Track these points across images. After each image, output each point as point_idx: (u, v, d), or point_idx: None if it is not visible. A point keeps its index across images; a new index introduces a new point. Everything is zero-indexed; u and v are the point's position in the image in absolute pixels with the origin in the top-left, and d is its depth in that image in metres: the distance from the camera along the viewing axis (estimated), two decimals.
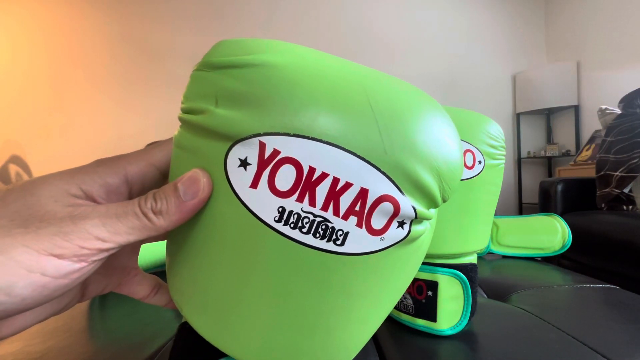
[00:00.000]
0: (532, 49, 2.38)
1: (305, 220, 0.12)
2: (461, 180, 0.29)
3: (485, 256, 0.62)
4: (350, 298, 0.13)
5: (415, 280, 0.30)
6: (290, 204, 0.12)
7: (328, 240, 0.12)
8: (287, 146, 0.12)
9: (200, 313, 0.14)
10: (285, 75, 0.12)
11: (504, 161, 0.32)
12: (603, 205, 1.11)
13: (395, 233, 0.13)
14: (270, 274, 0.13)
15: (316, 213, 0.12)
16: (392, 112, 0.13)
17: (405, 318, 0.32)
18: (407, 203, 0.13)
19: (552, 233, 0.58)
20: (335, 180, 0.12)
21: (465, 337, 0.30)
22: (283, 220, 0.12)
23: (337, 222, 0.12)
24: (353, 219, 0.12)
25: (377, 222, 0.12)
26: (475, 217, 0.30)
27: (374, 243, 0.13)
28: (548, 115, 2.33)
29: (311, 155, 0.12)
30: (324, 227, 0.12)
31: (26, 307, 0.12)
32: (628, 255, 0.87)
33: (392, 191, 0.12)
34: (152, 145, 0.16)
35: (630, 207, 1.06)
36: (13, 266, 0.11)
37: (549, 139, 2.33)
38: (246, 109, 0.12)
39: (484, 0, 2.36)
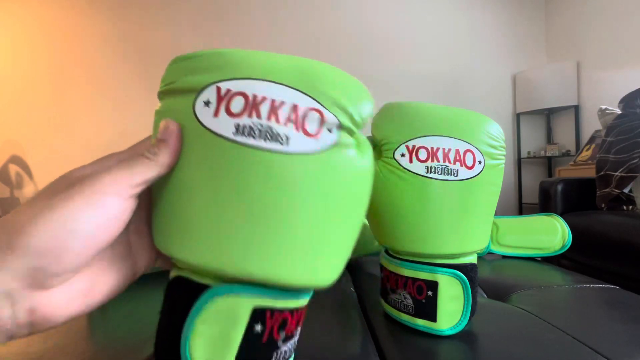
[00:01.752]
0: (532, 49, 2.38)
1: (256, 129, 0.16)
2: (461, 180, 0.29)
3: (485, 256, 0.62)
4: (303, 198, 0.16)
5: (415, 280, 0.30)
6: (243, 120, 0.16)
7: (275, 141, 0.16)
8: (236, 85, 0.17)
9: (185, 241, 0.17)
10: (237, 53, 0.18)
11: (504, 161, 0.32)
12: (603, 205, 1.11)
13: (327, 137, 0.17)
14: (237, 180, 0.16)
15: (263, 123, 0.16)
16: (317, 69, 0.18)
17: (405, 318, 0.32)
18: (331, 114, 0.17)
19: (552, 233, 0.58)
20: (273, 100, 0.16)
21: (465, 337, 0.30)
22: (239, 132, 0.16)
23: (279, 128, 0.16)
24: (291, 125, 0.16)
25: (311, 127, 0.17)
26: (475, 217, 0.30)
27: (312, 143, 0.17)
28: (548, 115, 2.33)
29: (254, 87, 0.17)
30: (270, 132, 0.16)
31: (96, 246, 0.15)
32: (628, 255, 0.87)
33: (318, 106, 0.17)
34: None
35: (630, 207, 1.07)
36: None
37: (549, 139, 2.33)
38: (206, 73, 0.17)
39: (484, 0, 2.36)
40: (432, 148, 0.30)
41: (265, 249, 0.16)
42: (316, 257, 0.17)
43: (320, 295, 0.43)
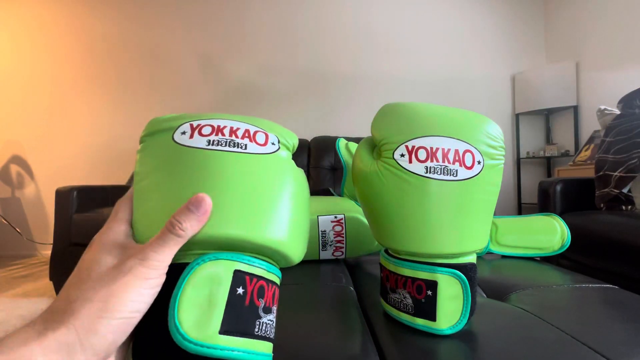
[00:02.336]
0: (531, 50, 2.38)
1: (223, 142, 0.23)
2: (460, 180, 0.29)
3: (485, 256, 0.62)
4: (261, 176, 0.23)
5: (415, 279, 0.31)
6: (212, 137, 0.23)
7: (238, 147, 0.24)
8: (204, 122, 0.24)
9: None
10: (196, 113, 0.26)
11: (503, 161, 0.32)
12: (602, 205, 1.11)
13: (271, 147, 0.25)
14: (218, 171, 0.22)
15: (227, 138, 0.24)
16: (259, 119, 0.27)
17: (405, 317, 0.32)
18: (273, 135, 0.25)
19: (551, 233, 0.59)
20: (232, 127, 0.24)
21: (464, 336, 0.30)
22: (211, 144, 0.23)
23: (239, 140, 0.24)
24: (246, 139, 0.24)
25: (260, 139, 0.25)
26: (475, 217, 0.31)
27: (262, 149, 0.24)
28: (547, 115, 2.34)
29: (217, 122, 0.24)
30: (233, 142, 0.24)
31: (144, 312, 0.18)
32: (627, 255, 0.87)
33: (263, 130, 0.25)
34: (118, 206, 0.23)
35: (629, 207, 1.07)
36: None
37: (548, 139, 2.33)
38: (180, 119, 0.25)
39: (484, 0, 2.37)
40: (431, 148, 0.30)
41: (240, 214, 0.21)
42: (276, 219, 0.22)
43: (320, 295, 0.43)
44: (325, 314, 0.36)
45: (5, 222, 2.13)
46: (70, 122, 2.27)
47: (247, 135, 0.24)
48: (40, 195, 2.26)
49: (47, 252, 2.21)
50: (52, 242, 1.41)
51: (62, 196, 1.41)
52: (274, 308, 0.23)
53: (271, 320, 0.22)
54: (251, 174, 0.23)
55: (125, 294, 0.17)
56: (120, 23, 2.28)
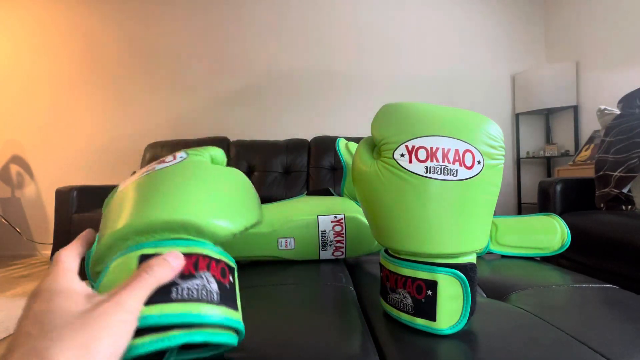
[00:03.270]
0: (531, 49, 2.38)
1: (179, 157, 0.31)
2: (460, 180, 0.29)
3: (485, 256, 0.62)
4: (206, 182, 0.29)
5: (415, 279, 0.31)
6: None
7: (166, 162, 0.30)
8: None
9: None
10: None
11: (503, 161, 0.32)
12: (602, 205, 1.11)
13: (179, 158, 0.32)
14: (180, 173, 0.29)
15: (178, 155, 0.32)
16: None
17: (405, 317, 0.32)
18: (183, 153, 0.33)
19: (551, 233, 0.59)
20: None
21: (464, 336, 0.30)
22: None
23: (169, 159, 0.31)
24: (170, 156, 0.31)
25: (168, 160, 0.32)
26: (475, 216, 0.31)
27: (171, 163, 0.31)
28: (547, 115, 2.34)
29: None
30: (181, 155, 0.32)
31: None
32: (627, 255, 0.87)
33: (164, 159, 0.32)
34: (60, 257, 0.22)
35: (629, 207, 1.07)
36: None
37: (548, 139, 2.33)
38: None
39: (484, 0, 2.37)
40: (431, 148, 0.30)
41: (142, 204, 0.26)
42: (171, 199, 0.26)
43: (320, 295, 0.43)
44: (325, 314, 0.36)
45: (5, 222, 2.13)
46: (70, 122, 2.27)
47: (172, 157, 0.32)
48: (40, 195, 2.26)
49: (47, 252, 2.21)
50: (52, 242, 1.41)
51: (62, 196, 1.41)
52: (202, 273, 0.24)
53: (199, 285, 0.23)
54: (193, 178, 0.29)
55: (108, 338, 0.17)
56: (119, 22, 2.28)
